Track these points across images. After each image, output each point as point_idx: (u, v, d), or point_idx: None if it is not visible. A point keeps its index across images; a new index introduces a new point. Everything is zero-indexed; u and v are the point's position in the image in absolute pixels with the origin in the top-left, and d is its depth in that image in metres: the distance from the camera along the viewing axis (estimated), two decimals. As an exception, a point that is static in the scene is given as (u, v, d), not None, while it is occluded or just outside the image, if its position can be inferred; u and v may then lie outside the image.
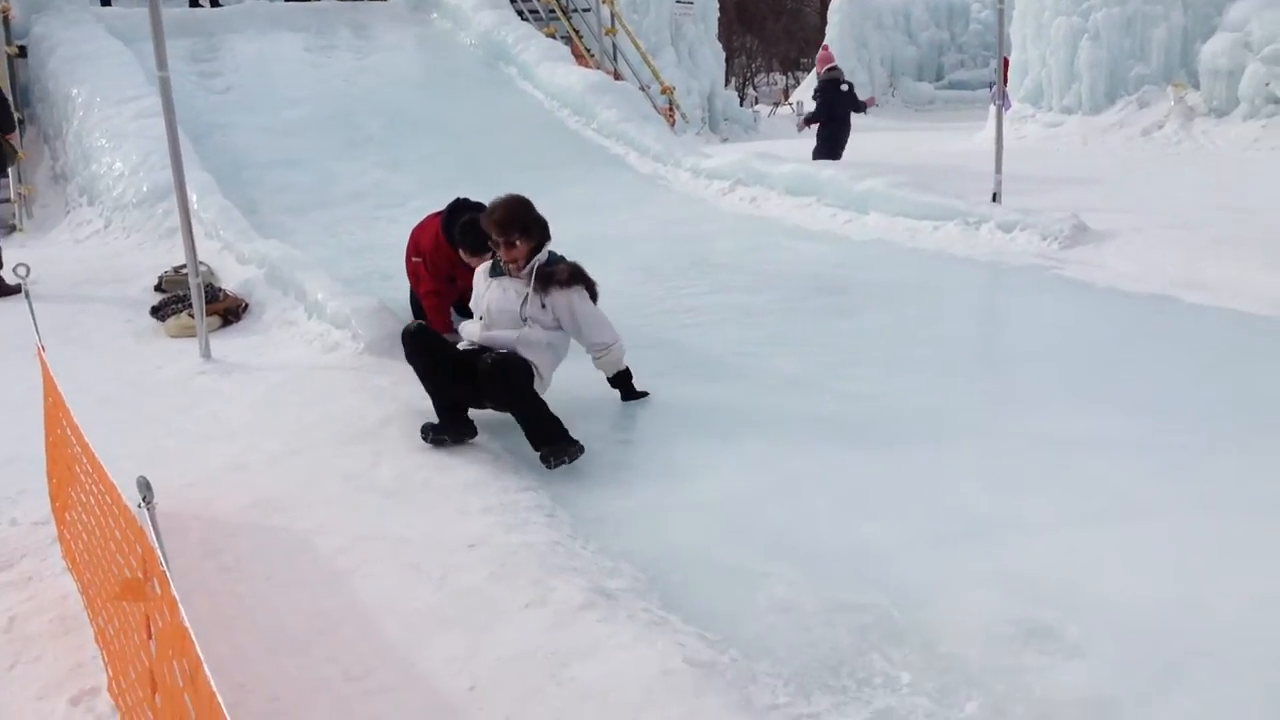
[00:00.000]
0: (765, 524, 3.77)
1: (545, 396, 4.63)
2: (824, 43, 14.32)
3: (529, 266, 4.81)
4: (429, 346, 4.75)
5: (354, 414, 4.99)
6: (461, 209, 5.95)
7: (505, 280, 4.87)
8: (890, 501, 3.90)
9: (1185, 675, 2.72)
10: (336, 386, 5.45)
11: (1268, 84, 14.49)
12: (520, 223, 4.82)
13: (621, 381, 5.10)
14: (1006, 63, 30.05)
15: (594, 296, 4.98)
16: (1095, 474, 4.01)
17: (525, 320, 4.75)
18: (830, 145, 12.67)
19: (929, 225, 8.51)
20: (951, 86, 32.99)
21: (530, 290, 4.77)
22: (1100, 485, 3.91)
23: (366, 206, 9.71)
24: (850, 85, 13.13)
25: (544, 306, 4.78)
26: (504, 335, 4.74)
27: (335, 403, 5.18)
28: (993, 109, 10.17)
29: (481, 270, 5.09)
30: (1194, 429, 4.43)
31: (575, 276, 4.88)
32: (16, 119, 11.16)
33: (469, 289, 5.74)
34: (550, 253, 4.94)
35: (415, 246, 6.12)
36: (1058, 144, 15.99)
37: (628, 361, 5.13)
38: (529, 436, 4.39)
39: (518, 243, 4.79)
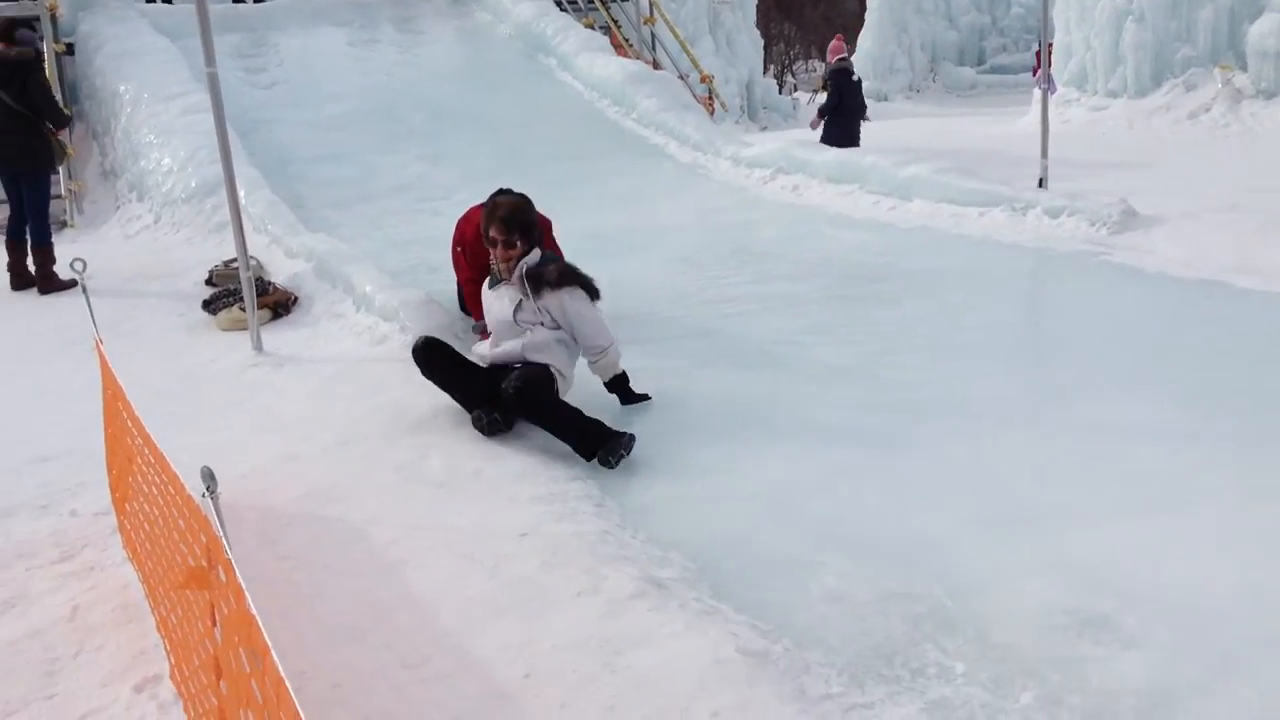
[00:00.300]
0: (815, 513, 3.77)
1: (576, 390, 4.61)
2: (837, 35, 14.59)
3: (518, 270, 4.74)
4: (440, 362, 4.76)
5: (403, 405, 5.04)
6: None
7: (501, 288, 4.82)
8: (940, 490, 3.88)
9: (1243, 663, 2.69)
10: (386, 378, 5.51)
11: (1319, 64, 14.23)
12: (523, 223, 4.77)
13: (619, 385, 4.93)
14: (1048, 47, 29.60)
15: (593, 294, 4.83)
16: (1147, 462, 3.97)
17: (521, 326, 4.70)
18: (844, 134, 12.67)
19: (974, 211, 8.45)
20: (993, 71, 32.65)
21: (523, 295, 4.71)
22: (1153, 473, 3.88)
23: (410, 200, 9.78)
24: (860, 78, 13.23)
25: (538, 310, 4.71)
26: (510, 347, 4.70)
27: (385, 394, 5.24)
28: (1037, 93, 10.06)
29: (486, 285, 5.04)
30: (1246, 416, 4.37)
31: (565, 276, 4.75)
32: (66, 115, 11.37)
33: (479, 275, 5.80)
34: (542, 253, 4.86)
35: (459, 236, 6.17)
36: (1103, 128, 15.79)
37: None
38: (577, 450, 4.32)
39: (518, 243, 4.74)
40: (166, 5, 14.78)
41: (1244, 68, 15.44)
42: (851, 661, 2.84)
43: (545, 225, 6.14)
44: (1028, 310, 6.49)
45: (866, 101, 13.82)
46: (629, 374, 4.96)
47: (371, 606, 3.18)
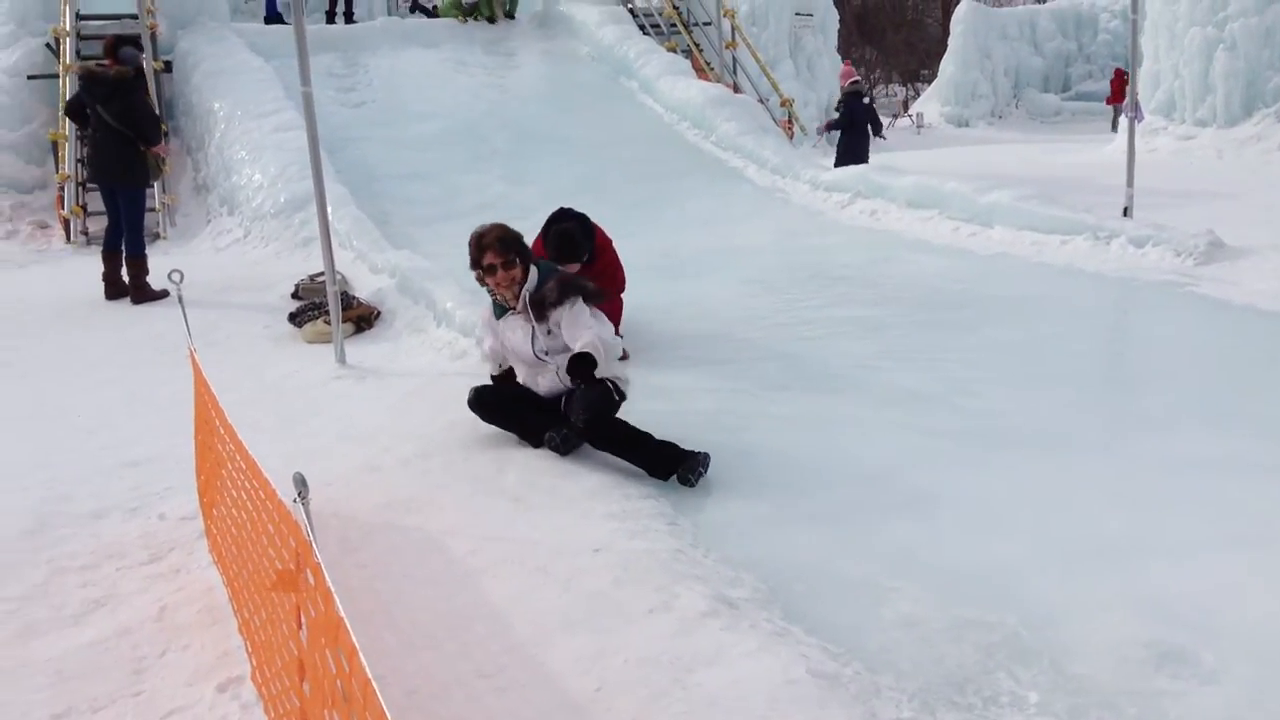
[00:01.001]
0: (889, 538, 3.76)
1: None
2: (846, 60, 15.53)
3: (521, 299, 4.67)
4: (496, 405, 4.79)
5: (481, 421, 5.12)
6: (560, 218, 6.09)
7: (511, 319, 4.76)
8: (1018, 520, 3.85)
9: (1329, 706, 2.64)
10: (464, 393, 5.58)
11: None
12: (516, 243, 4.72)
13: (576, 366, 4.50)
14: (1121, 74, 29.21)
15: (592, 297, 4.72)
16: (1230, 497, 3.90)
17: (545, 361, 4.68)
18: (853, 153, 13.56)
19: (1056, 239, 8.35)
20: (1078, 98, 32.14)
21: (533, 324, 4.67)
22: (1235, 508, 3.81)
23: (491, 218, 9.76)
24: (872, 99, 14.59)
25: (551, 333, 4.66)
26: (551, 383, 4.67)
27: (463, 409, 5.29)
28: (1124, 120, 9.91)
29: (486, 319, 4.98)
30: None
31: (566, 290, 4.66)
32: (163, 131, 11.76)
33: None
34: (538, 270, 4.76)
35: None
36: (1191, 157, 15.46)
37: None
38: (652, 473, 4.32)
39: (517, 261, 4.67)
40: (261, 26, 15.23)
41: (1340, 98, 15.04)
42: (923, 688, 2.83)
43: (604, 243, 6.20)
44: (1110, 341, 6.39)
45: (883, 120, 15.40)
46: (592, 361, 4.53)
47: (448, 615, 3.24)
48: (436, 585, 3.45)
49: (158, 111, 10.71)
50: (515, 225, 6.63)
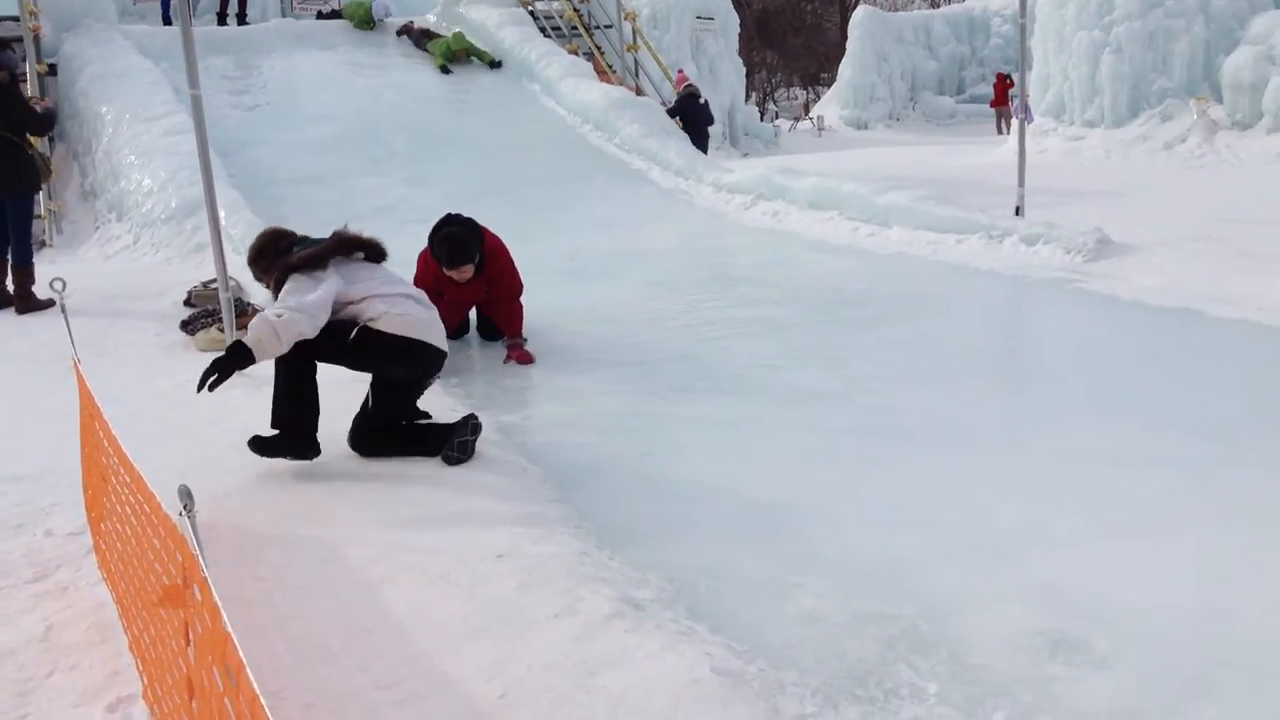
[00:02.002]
0: (792, 535, 3.79)
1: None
2: (680, 70, 16.76)
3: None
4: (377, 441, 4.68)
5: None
6: (445, 223, 6.05)
7: None
8: (917, 514, 3.91)
9: (1212, 686, 2.72)
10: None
11: (1291, 97, 14.46)
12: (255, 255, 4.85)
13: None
14: (1003, 78, 30.08)
15: (302, 267, 4.52)
16: (1121, 487, 4.01)
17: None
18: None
19: (952, 239, 8.54)
20: (972, 100, 33.02)
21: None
22: (1126, 498, 3.92)
23: (392, 221, 9.74)
24: (705, 100, 15.88)
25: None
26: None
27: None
28: (1015, 122, 10.17)
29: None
30: (1218, 442, 4.43)
31: (280, 277, 4.56)
32: (48, 138, 11.36)
33: (458, 302, 6.01)
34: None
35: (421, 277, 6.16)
36: (1080, 158, 15.99)
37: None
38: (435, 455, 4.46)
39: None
40: (150, 28, 14.80)
41: (1220, 99, 15.67)
42: (826, 682, 2.85)
43: (496, 248, 6.15)
44: (1004, 336, 6.56)
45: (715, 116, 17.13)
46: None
47: (347, 627, 3.17)
48: (335, 597, 3.37)
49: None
50: (415, 228, 6.59)
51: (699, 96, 15.65)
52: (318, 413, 4.57)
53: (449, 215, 6.13)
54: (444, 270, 5.94)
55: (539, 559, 3.53)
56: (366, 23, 14.89)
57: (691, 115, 15.02)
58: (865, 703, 2.77)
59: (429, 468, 4.47)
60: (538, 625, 3.14)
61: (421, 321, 4.62)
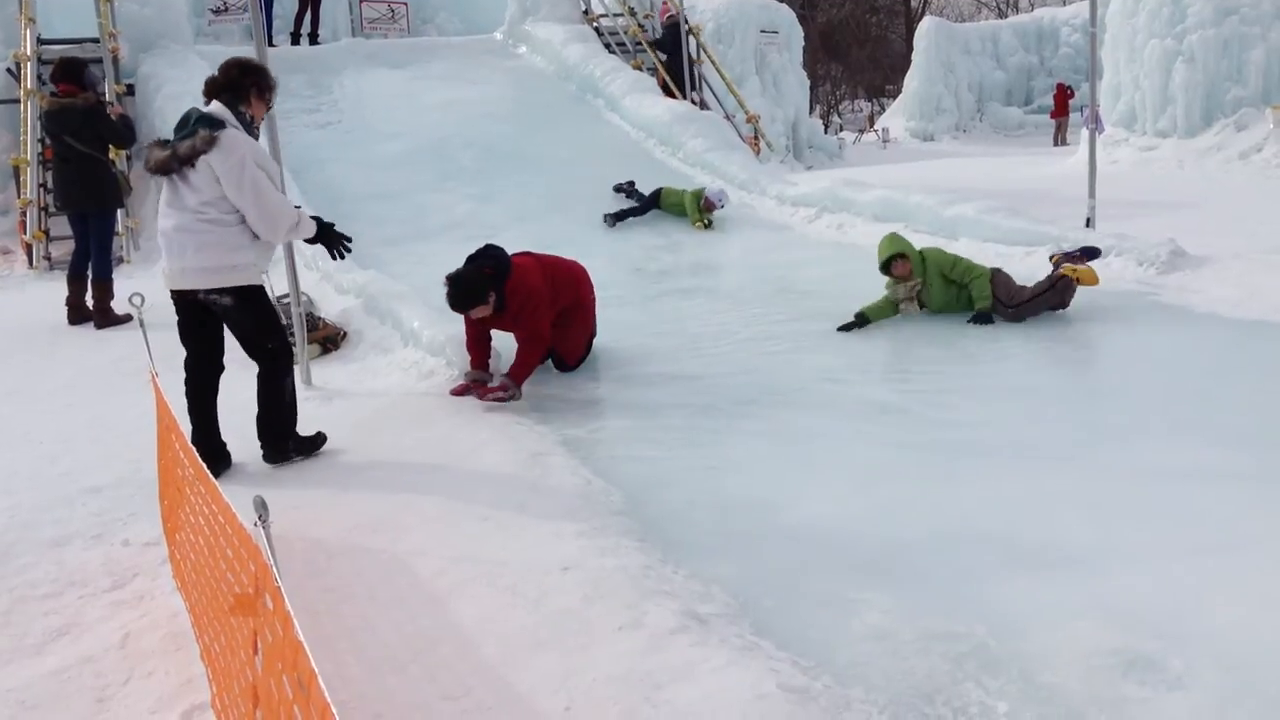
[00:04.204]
0: (858, 551, 3.76)
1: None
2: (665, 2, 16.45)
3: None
4: None
5: (449, 439, 5.10)
6: (474, 258, 5.88)
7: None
8: (985, 530, 3.86)
9: (1293, 709, 2.65)
10: (432, 412, 5.58)
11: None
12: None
13: None
14: (1063, 88, 29.57)
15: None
16: (1196, 505, 3.92)
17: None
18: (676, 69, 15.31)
19: (1020, 251, 8.40)
20: (1041, 111, 32.53)
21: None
22: (1201, 516, 3.83)
23: (459, 237, 9.88)
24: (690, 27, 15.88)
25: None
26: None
27: (431, 428, 5.30)
28: (1086, 133, 10.02)
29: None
30: (1298, 458, 4.31)
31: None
32: (126, 156, 11.68)
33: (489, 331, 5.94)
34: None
35: None
36: (1152, 168, 15.66)
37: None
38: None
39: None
40: (225, 49, 15.14)
41: (1296, 108, 15.27)
42: (893, 700, 2.82)
43: (520, 288, 5.79)
44: (1076, 350, 6.43)
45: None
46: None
47: (415, 638, 3.21)
48: (403, 607, 3.41)
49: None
50: (481, 243, 6.65)
51: (682, 24, 15.63)
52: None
53: (484, 248, 5.95)
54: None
55: (604, 572, 3.54)
56: (696, 212, 10.52)
57: (677, 46, 15.22)
58: (933, 721, 2.74)
59: (495, 481, 4.51)
60: (603, 638, 3.15)
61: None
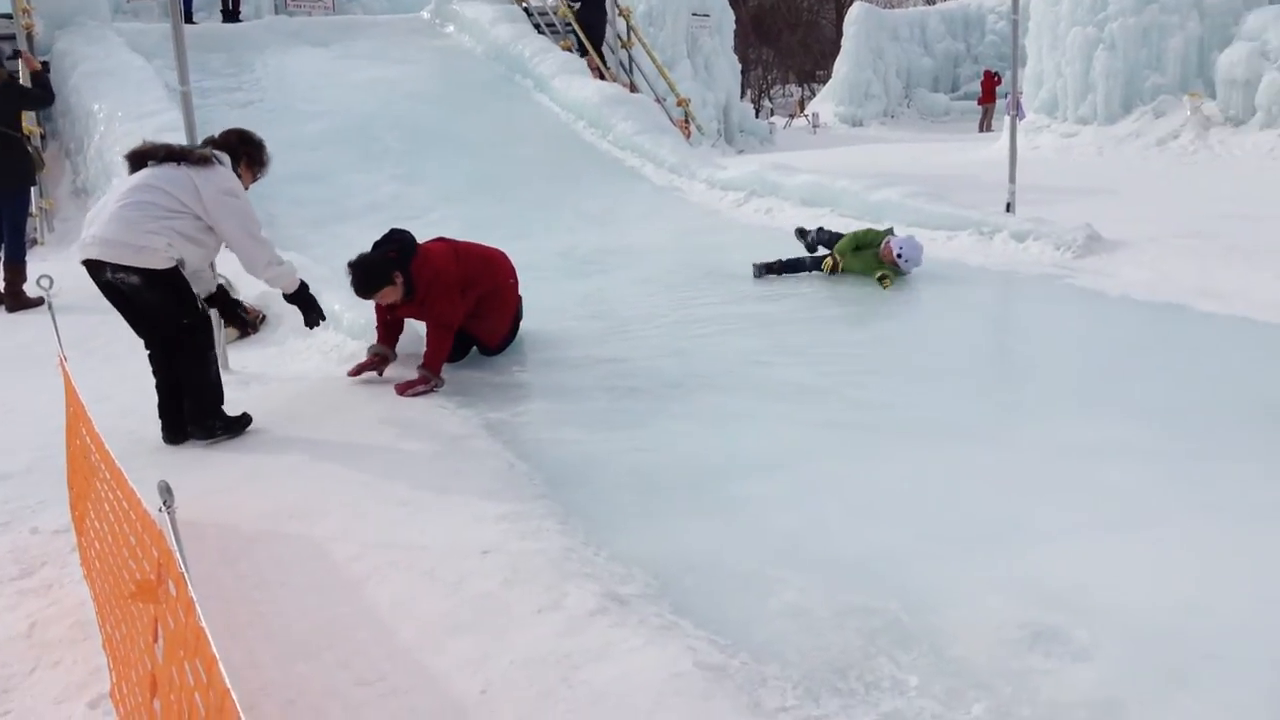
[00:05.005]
0: (778, 530, 3.79)
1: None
2: None
3: None
4: None
5: (370, 423, 5.05)
6: (379, 243, 5.79)
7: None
8: (902, 508, 3.92)
9: (1190, 678, 2.73)
10: (353, 396, 5.52)
11: (1283, 93, 14.45)
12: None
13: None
14: (990, 75, 30.17)
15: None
16: (1106, 481, 4.02)
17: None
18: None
19: (943, 235, 8.54)
20: (967, 97, 33.02)
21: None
22: (1110, 492, 3.92)
23: (383, 219, 9.71)
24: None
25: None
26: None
27: (352, 413, 5.24)
28: (1007, 119, 10.18)
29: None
30: (1204, 436, 4.44)
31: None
32: (40, 134, 11.35)
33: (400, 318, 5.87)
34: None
35: None
36: (1073, 155, 15.99)
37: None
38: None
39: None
40: (143, 26, 14.78)
41: (1213, 96, 15.68)
42: (807, 675, 2.86)
43: (423, 271, 5.66)
44: (993, 332, 6.56)
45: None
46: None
47: (330, 624, 3.17)
48: (318, 594, 3.37)
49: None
50: (407, 225, 6.58)
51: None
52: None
53: (389, 232, 5.86)
54: None
55: (524, 555, 3.54)
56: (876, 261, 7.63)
57: (594, 20, 15.19)
58: (846, 695, 2.78)
59: (416, 465, 4.47)
60: (522, 620, 3.14)
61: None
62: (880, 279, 7.31)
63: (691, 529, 3.85)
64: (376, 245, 5.77)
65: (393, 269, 5.55)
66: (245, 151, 5.23)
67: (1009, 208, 9.13)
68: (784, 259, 7.94)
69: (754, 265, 7.91)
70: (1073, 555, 3.45)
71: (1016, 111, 9.84)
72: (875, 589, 3.28)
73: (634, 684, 2.79)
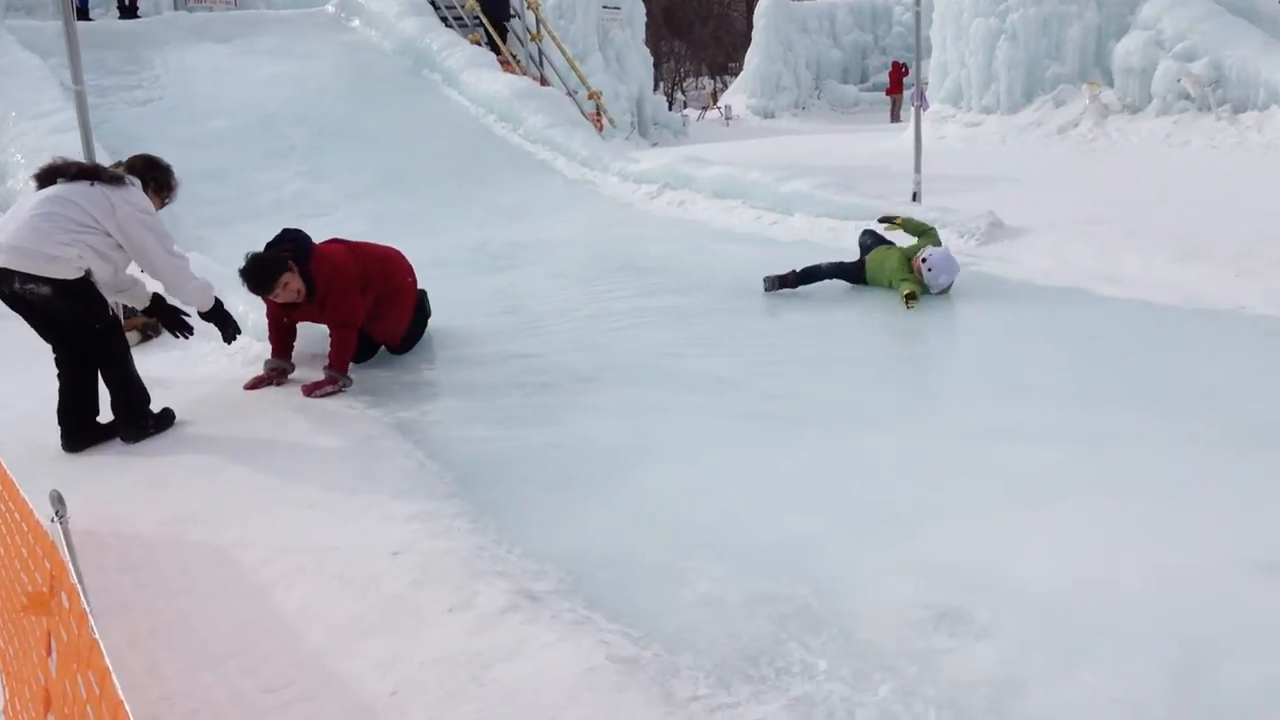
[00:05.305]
0: (691, 521, 3.81)
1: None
2: None
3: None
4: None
5: (276, 426, 4.97)
6: (275, 243, 5.68)
7: None
8: (812, 495, 3.96)
9: (1087, 652, 2.80)
10: (259, 399, 5.42)
11: (1179, 80, 14.93)
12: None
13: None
14: (898, 66, 30.82)
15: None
16: (1010, 463, 4.11)
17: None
18: None
19: (851, 225, 8.63)
20: (876, 88, 33.51)
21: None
22: (1014, 473, 4.01)
23: (290, 217, 9.49)
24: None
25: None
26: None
27: (258, 415, 5.15)
28: (913, 110, 10.36)
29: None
30: (1104, 417, 4.56)
31: None
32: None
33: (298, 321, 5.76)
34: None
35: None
36: (977, 144, 16.33)
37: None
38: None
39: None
40: (38, 24, 14.30)
41: (1111, 84, 16.13)
42: (719, 664, 2.88)
43: (322, 269, 5.55)
44: (900, 320, 6.65)
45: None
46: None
47: (234, 631, 3.11)
48: (223, 601, 3.30)
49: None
50: (312, 223, 6.49)
51: None
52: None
53: (282, 231, 5.73)
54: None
55: (434, 554, 3.51)
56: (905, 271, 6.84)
57: (495, 9, 15.27)
58: (757, 682, 2.80)
59: (325, 467, 4.41)
60: (432, 621, 3.12)
61: None
62: (907, 297, 6.41)
63: (605, 523, 3.85)
64: (270, 245, 5.65)
65: (287, 263, 5.45)
66: (153, 176, 5.20)
67: (915, 197, 9.30)
68: (797, 270, 7.09)
69: (764, 279, 7.10)
70: (978, 537, 3.53)
71: (920, 102, 10.02)
72: (786, 576, 3.32)
73: (546, 680, 2.79)
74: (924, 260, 6.63)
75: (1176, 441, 4.23)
